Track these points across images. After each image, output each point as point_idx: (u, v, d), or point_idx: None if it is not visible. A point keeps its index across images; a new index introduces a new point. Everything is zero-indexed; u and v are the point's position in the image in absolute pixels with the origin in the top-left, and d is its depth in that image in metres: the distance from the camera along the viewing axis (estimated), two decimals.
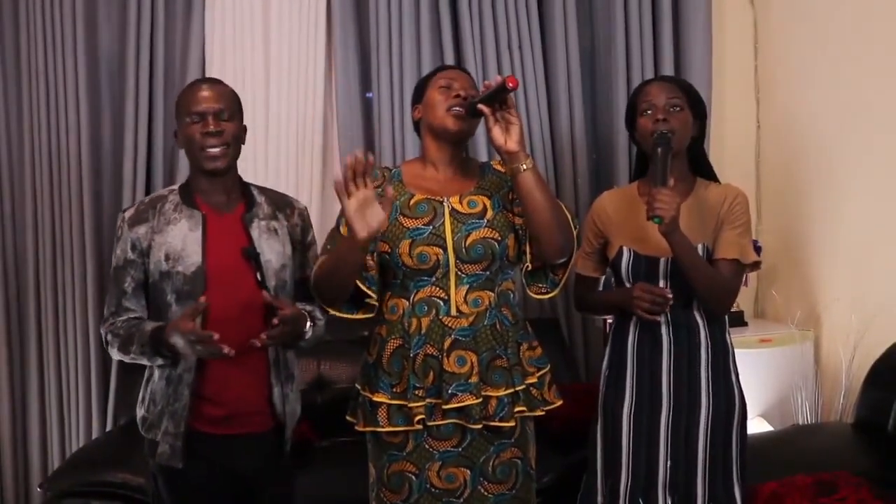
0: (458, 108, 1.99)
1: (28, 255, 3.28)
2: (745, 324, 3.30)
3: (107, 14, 3.28)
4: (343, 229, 2.00)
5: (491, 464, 2.00)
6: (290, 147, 3.33)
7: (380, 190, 1.86)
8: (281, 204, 2.12)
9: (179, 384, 1.97)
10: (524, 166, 1.90)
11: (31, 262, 3.28)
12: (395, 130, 3.31)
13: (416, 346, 1.97)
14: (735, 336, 2.33)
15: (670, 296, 2.06)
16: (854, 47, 2.98)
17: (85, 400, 3.29)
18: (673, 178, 2.01)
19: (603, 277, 2.33)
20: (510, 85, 1.82)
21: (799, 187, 3.28)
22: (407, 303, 1.99)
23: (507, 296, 2.04)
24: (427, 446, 1.98)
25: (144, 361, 1.99)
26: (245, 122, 2.11)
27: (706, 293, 2.08)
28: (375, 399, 2.00)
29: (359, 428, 2.04)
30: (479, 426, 1.96)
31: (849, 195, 3.02)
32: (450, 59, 3.27)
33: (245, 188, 2.10)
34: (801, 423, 3.05)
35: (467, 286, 1.98)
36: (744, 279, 2.39)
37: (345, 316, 2.04)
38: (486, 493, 2.00)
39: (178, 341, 1.85)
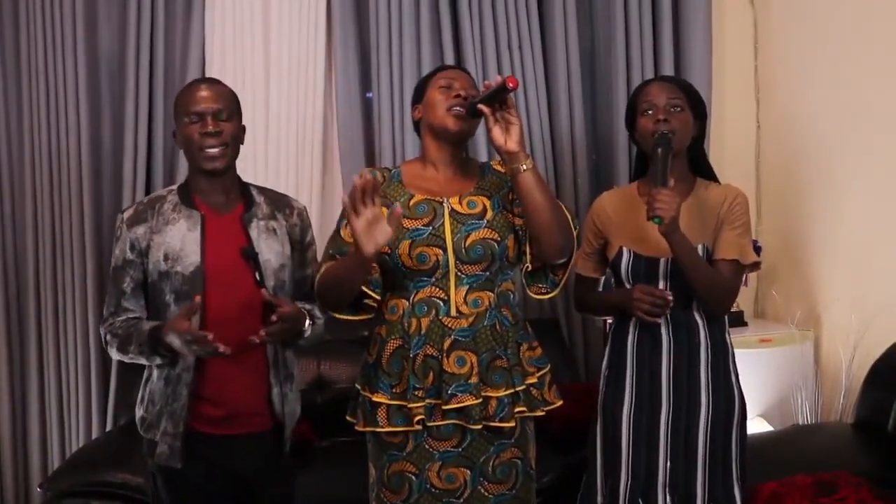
0: (458, 108, 1.99)
1: (28, 255, 3.28)
2: (745, 324, 3.30)
3: (107, 14, 3.28)
4: (344, 233, 2.01)
5: (491, 464, 2.00)
6: (290, 147, 3.33)
7: (388, 211, 1.84)
8: (280, 204, 2.12)
9: (178, 384, 1.97)
10: (524, 166, 1.90)
11: (31, 262, 3.28)
12: (395, 130, 3.31)
13: (416, 346, 1.97)
14: (735, 336, 2.33)
15: (671, 298, 2.06)
16: (854, 47, 2.98)
17: (85, 400, 3.29)
18: (673, 178, 2.01)
19: (603, 278, 2.33)
20: (510, 85, 1.82)
21: (799, 187, 3.28)
22: (407, 303, 1.98)
23: (506, 296, 2.04)
24: (427, 446, 1.98)
25: (143, 361, 1.99)
26: (245, 122, 2.11)
27: (706, 294, 2.08)
28: (375, 399, 2.00)
29: (359, 428, 2.04)
30: (479, 426, 1.96)
31: (849, 195, 3.02)
32: (450, 60, 3.27)
33: (244, 188, 2.10)
34: (801, 423, 3.05)
35: (467, 287, 1.98)
36: (744, 279, 2.39)
37: (345, 317, 2.05)
38: (486, 494, 2.00)
39: (174, 341, 1.86)
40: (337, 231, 2.06)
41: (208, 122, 1.96)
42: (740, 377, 2.19)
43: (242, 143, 2.08)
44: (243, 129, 2.08)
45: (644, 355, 2.17)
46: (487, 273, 1.99)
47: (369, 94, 3.41)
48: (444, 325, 1.96)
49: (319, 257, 2.16)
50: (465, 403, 1.93)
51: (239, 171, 2.11)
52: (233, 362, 1.95)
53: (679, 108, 2.11)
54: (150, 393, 2.03)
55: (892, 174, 2.83)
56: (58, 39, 3.20)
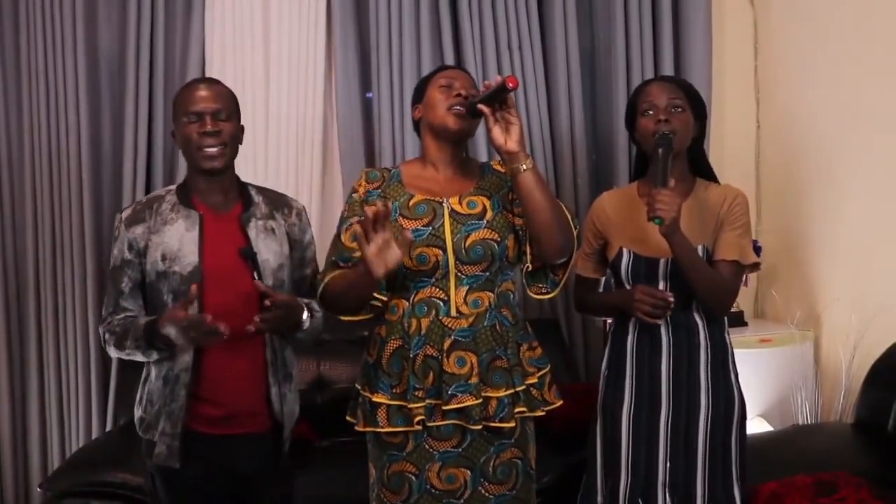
0: (458, 108, 1.99)
1: (28, 255, 3.28)
2: (745, 324, 3.30)
3: (107, 14, 3.28)
4: (345, 238, 2.02)
5: (491, 464, 2.00)
6: (290, 147, 3.33)
7: (398, 235, 1.86)
8: (278, 203, 2.12)
9: (176, 384, 1.97)
10: (524, 166, 1.90)
11: (31, 262, 3.28)
12: (395, 130, 3.31)
13: (416, 346, 1.97)
14: (735, 336, 2.33)
15: (672, 299, 2.05)
16: (854, 47, 2.98)
17: (85, 400, 3.29)
18: (673, 178, 2.01)
19: (603, 278, 2.33)
20: (510, 85, 1.82)
21: (799, 187, 3.28)
22: (407, 303, 1.98)
23: (506, 296, 2.04)
24: (427, 447, 1.98)
25: (139, 357, 1.98)
26: (245, 122, 2.11)
27: (706, 294, 2.08)
28: (375, 399, 2.00)
29: (359, 428, 2.04)
30: (479, 427, 1.96)
31: (849, 195, 3.02)
32: (450, 60, 3.27)
33: (243, 188, 2.10)
34: (801, 423, 3.05)
35: (467, 287, 1.98)
36: (743, 279, 2.39)
37: (347, 318, 2.05)
38: (486, 495, 2.00)
39: (171, 331, 1.85)
40: (338, 236, 2.06)
41: (207, 122, 1.96)
42: (740, 377, 2.19)
43: (241, 143, 2.07)
44: (242, 128, 2.08)
45: (644, 355, 2.17)
46: (487, 273, 1.99)
47: (369, 94, 3.41)
48: (444, 325, 1.96)
49: (320, 259, 2.16)
50: (466, 404, 1.93)
51: (239, 171, 2.11)
52: (231, 362, 1.95)
53: (679, 109, 2.11)
54: (149, 393, 2.03)
55: (892, 174, 2.83)
56: (58, 39, 3.20)
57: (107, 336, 2.02)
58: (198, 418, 1.99)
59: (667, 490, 2.12)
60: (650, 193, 2.00)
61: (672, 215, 1.95)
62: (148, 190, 3.23)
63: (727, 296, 2.13)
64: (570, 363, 3.31)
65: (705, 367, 2.14)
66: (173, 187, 2.09)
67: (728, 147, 3.52)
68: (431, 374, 1.96)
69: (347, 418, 2.10)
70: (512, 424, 1.98)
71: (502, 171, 2.07)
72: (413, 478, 1.99)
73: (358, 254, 2.00)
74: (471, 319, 1.97)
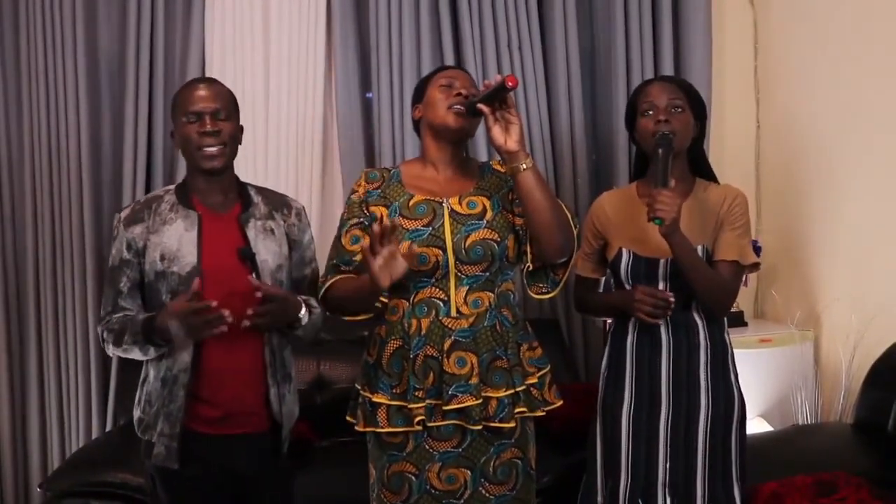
0: (458, 107, 1.99)
1: (28, 255, 3.27)
2: (745, 324, 3.30)
3: (107, 14, 3.28)
4: (345, 240, 2.03)
5: (491, 464, 2.00)
6: (290, 147, 3.32)
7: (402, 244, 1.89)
8: (278, 203, 2.11)
9: (174, 385, 1.96)
10: (524, 165, 1.90)
11: (31, 262, 3.28)
12: (395, 130, 3.31)
13: (416, 347, 1.97)
14: (735, 336, 2.32)
15: (672, 299, 2.05)
16: (854, 47, 2.97)
17: (85, 400, 3.29)
18: (673, 178, 2.01)
19: (603, 278, 2.33)
20: (510, 84, 1.82)
21: (799, 187, 3.28)
22: (407, 304, 1.98)
23: (507, 296, 2.04)
24: (427, 447, 1.98)
25: (137, 353, 1.97)
26: (245, 122, 2.10)
27: (706, 294, 2.08)
28: (375, 400, 2.00)
29: (359, 428, 2.04)
30: (479, 427, 1.96)
31: (849, 195, 3.02)
32: (450, 60, 3.27)
33: (242, 188, 2.10)
34: (801, 423, 3.05)
35: (467, 287, 1.98)
36: (743, 279, 2.39)
37: (348, 318, 2.05)
38: (487, 495, 2.00)
39: (172, 323, 1.84)
40: (338, 238, 2.06)
41: (206, 122, 1.96)
42: (740, 377, 2.19)
43: (240, 143, 2.07)
44: (241, 128, 2.07)
45: (643, 355, 2.17)
46: (487, 273, 1.99)
47: (369, 94, 3.40)
48: (445, 325, 1.96)
49: (319, 260, 2.16)
50: (466, 404, 1.93)
51: (239, 171, 2.11)
52: (229, 362, 1.95)
53: (679, 109, 2.11)
54: (147, 394, 2.02)
55: (892, 174, 2.83)
56: (58, 39, 3.20)
57: (105, 335, 2.02)
58: (196, 419, 1.98)
59: (667, 490, 2.12)
60: (650, 194, 2.00)
61: (672, 215, 1.95)
62: (148, 190, 3.22)
63: (727, 296, 2.13)
64: (570, 363, 3.31)
65: (705, 367, 2.13)
66: (172, 187, 2.09)
67: (728, 147, 3.51)
68: (431, 374, 1.96)
69: (347, 418, 2.10)
70: (512, 424, 1.98)
71: (502, 170, 2.07)
72: (413, 478, 1.99)
73: (359, 256, 2.01)
74: (471, 320, 1.97)
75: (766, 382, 3.10)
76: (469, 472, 1.99)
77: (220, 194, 2.04)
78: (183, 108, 1.98)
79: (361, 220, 2.05)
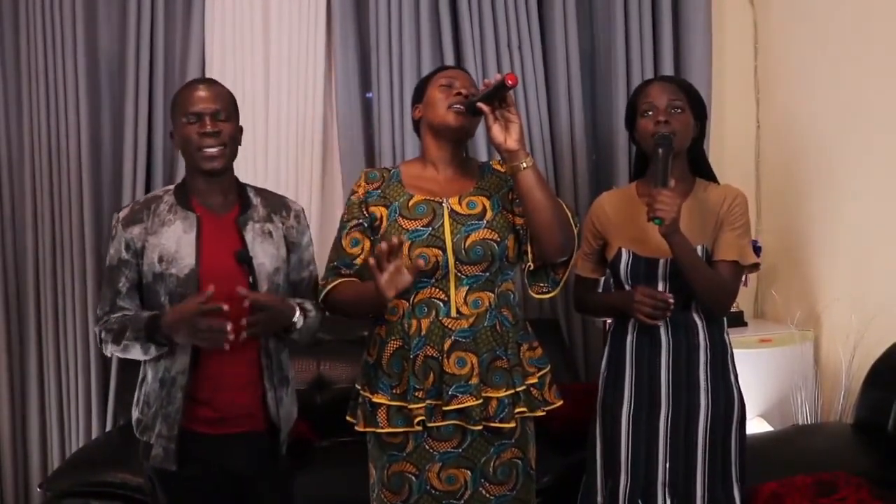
0: (458, 106, 1.99)
1: (28, 255, 3.27)
2: (744, 324, 3.30)
3: (107, 14, 3.28)
4: (345, 242, 2.04)
5: (491, 465, 2.00)
6: (290, 147, 3.32)
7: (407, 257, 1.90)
8: (276, 205, 2.10)
9: (172, 387, 1.95)
10: (524, 164, 1.90)
11: (31, 262, 3.28)
12: (395, 130, 3.31)
13: (416, 347, 1.97)
14: (735, 336, 2.32)
15: (672, 301, 2.05)
16: (854, 47, 2.97)
17: (85, 400, 3.29)
18: (673, 179, 2.01)
19: (602, 278, 2.33)
20: (509, 82, 1.82)
21: (799, 187, 3.28)
22: (407, 304, 1.98)
23: (507, 296, 2.04)
24: (427, 447, 1.98)
25: (137, 352, 1.95)
26: (245, 122, 2.10)
27: (706, 294, 2.08)
28: (375, 400, 2.00)
29: (359, 428, 2.04)
30: (480, 427, 1.96)
31: (849, 195, 3.02)
32: (450, 60, 3.27)
33: (241, 189, 2.09)
34: (801, 423, 3.05)
35: (467, 287, 1.98)
36: (743, 279, 2.39)
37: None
38: (487, 495, 2.00)
39: (179, 326, 1.83)
40: (338, 240, 2.06)
41: (207, 123, 1.95)
42: (740, 377, 2.19)
43: (240, 144, 2.06)
44: (241, 129, 2.06)
45: (643, 356, 2.16)
46: (487, 273, 1.99)
47: (369, 94, 3.40)
48: (444, 325, 1.96)
49: (320, 259, 2.15)
50: (466, 404, 1.93)
51: (238, 171, 2.11)
52: (227, 365, 1.94)
53: (679, 110, 2.11)
54: (146, 395, 2.02)
55: (892, 174, 2.83)
56: (58, 39, 3.19)
57: (104, 335, 2.00)
58: (195, 420, 1.98)
59: (666, 490, 2.12)
60: (650, 193, 2.00)
61: (672, 215, 1.95)
62: (148, 190, 3.22)
63: (727, 296, 2.13)
64: (570, 363, 3.31)
65: (705, 367, 2.13)
66: (171, 188, 2.08)
67: (728, 147, 3.51)
68: (432, 374, 1.96)
69: (347, 418, 2.10)
70: (512, 425, 1.98)
71: (502, 170, 2.07)
72: (413, 478, 1.99)
73: (359, 259, 2.01)
74: (471, 320, 1.97)
75: (766, 382, 3.10)
76: (469, 472, 1.99)
77: (219, 195, 2.03)
78: (183, 109, 1.97)
79: (361, 221, 2.05)
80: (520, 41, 3.34)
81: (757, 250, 2.82)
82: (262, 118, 3.30)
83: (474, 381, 1.94)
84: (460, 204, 2.01)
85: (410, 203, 2.01)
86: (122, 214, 2.03)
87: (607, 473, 2.20)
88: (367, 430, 2.02)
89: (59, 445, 3.35)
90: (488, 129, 1.91)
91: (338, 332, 3.11)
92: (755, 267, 2.19)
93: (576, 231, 2.00)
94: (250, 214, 2.04)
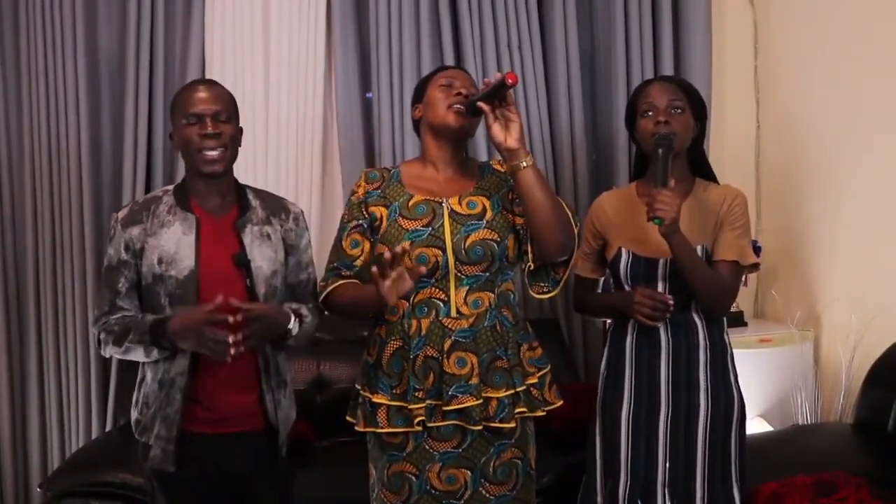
0: (458, 106, 1.99)
1: (28, 255, 3.27)
2: (744, 324, 3.30)
3: (107, 14, 3.28)
4: (345, 244, 2.04)
5: (491, 465, 2.00)
6: (290, 147, 3.32)
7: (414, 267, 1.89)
8: (275, 208, 2.09)
9: (172, 388, 1.95)
10: (524, 163, 1.90)
11: (31, 262, 3.28)
12: (395, 130, 3.31)
13: (416, 347, 1.97)
14: (735, 336, 2.32)
15: (671, 302, 2.05)
16: (854, 47, 2.97)
17: (85, 400, 3.29)
18: (673, 178, 2.01)
19: (602, 279, 2.33)
20: (509, 81, 1.82)
21: (799, 187, 3.28)
22: (407, 304, 1.98)
23: (507, 296, 2.04)
24: (427, 447, 1.98)
25: (139, 354, 1.95)
26: (245, 123, 2.09)
27: (705, 294, 2.08)
28: (375, 400, 2.00)
29: (359, 428, 2.04)
30: (480, 427, 1.96)
31: (849, 195, 3.02)
32: (450, 60, 3.27)
33: (240, 191, 2.07)
34: (801, 423, 3.05)
35: (467, 287, 1.98)
36: (743, 279, 2.39)
37: None
38: (487, 495, 2.00)
39: (186, 333, 1.82)
40: (339, 241, 2.06)
41: (208, 124, 1.94)
42: (740, 377, 2.19)
43: (240, 146, 2.05)
44: (241, 130, 2.05)
45: (643, 356, 2.16)
46: (487, 273, 1.99)
47: (369, 94, 3.40)
48: (445, 326, 1.96)
49: (321, 260, 2.15)
50: (466, 404, 1.93)
51: (238, 172, 2.10)
52: (226, 367, 1.91)
53: (679, 110, 2.11)
54: (145, 396, 2.01)
55: (892, 174, 2.83)
56: (58, 39, 3.20)
57: (103, 336, 1.98)
58: (193, 420, 1.97)
59: (666, 490, 2.12)
60: (650, 193, 2.00)
61: (672, 215, 1.95)
62: (148, 190, 3.22)
63: (726, 296, 2.12)
64: (570, 363, 3.31)
65: (704, 367, 2.13)
66: (170, 188, 2.07)
67: (728, 147, 3.51)
68: (432, 374, 1.96)
69: (347, 418, 2.10)
70: (512, 425, 1.98)
71: (502, 170, 2.07)
72: (413, 478, 1.99)
73: (359, 261, 2.02)
74: (471, 320, 1.97)
75: (766, 382, 3.10)
76: (469, 472, 1.99)
77: (218, 197, 2.02)
78: (183, 110, 1.96)
79: (360, 222, 2.05)
80: (520, 41, 3.34)
81: (757, 250, 2.82)
82: (262, 118, 3.30)
83: (474, 381, 1.94)
84: (460, 204, 2.01)
85: (410, 203, 2.01)
86: (120, 215, 2.02)
87: (607, 473, 2.20)
88: (367, 430, 2.02)
89: (59, 445, 3.35)
90: (488, 129, 1.91)
91: (338, 332, 3.11)
92: (755, 267, 2.19)
93: (576, 231, 2.00)
94: (249, 217, 2.03)
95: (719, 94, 3.47)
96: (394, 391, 1.98)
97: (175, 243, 1.95)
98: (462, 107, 1.99)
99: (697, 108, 2.16)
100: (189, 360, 1.94)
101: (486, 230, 1.98)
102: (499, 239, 1.98)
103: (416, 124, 2.13)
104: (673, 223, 1.96)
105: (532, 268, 2.02)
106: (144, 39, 3.19)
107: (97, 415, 3.29)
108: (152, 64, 3.23)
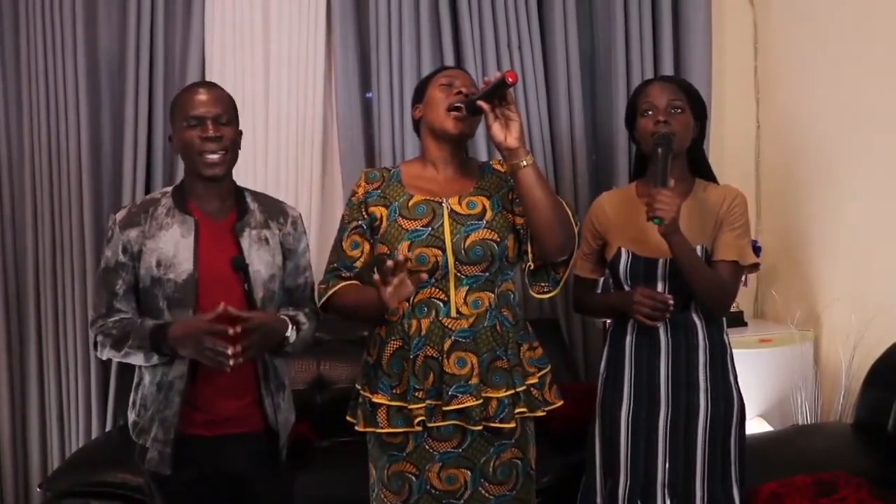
0: (458, 104, 1.98)
1: (28, 255, 3.27)
2: (744, 324, 3.30)
3: (107, 14, 3.28)
4: (345, 245, 2.04)
5: (491, 465, 2.00)
6: (290, 147, 3.32)
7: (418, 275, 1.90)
8: (274, 211, 2.08)
9: (170, 391, 1.94)
10: (524, 162, 1.90)
11: (31, 262, 3.28)
12: (394, 130, 3.31)
13: (416, 347, 1.97)
14: (735, 336, 2.32)
15: (671, 302, 2.05)
16: (854, 47, 2.97)
17: (85, 400, 3.29)
18: (672, 178, 2.01)
19: (602, 279, 2.32)
20: (509, 80, 1.82)
21: (799, 187, 3.28)
22: (407, 304, 1.98)
23: (507, 297, 2.04)
24: (427, 447, 1.98)
25: (138, 358, 1.94)
26: (245, 123, 2.08)
27: (705, 294, 2.08)
28: (375, 400, 2.00)
29: (359, 428, 2.04)
30: (479, 427, 1.96)
31: (849, 195, 3.02)
32: (450, 60, 3.27)
33: (239, 194, 2.06)
34: (800, 423, 3.05)
35: (467, 287, 1.98)
36: (743, 279, 2.39)
37: None
38: (487, 495, 2.00)
39: (186, 341, 1.82)
40: (339, 241, 2.06)
41: (209, 127, 1.93)
42: (740, 377, 2.19)
43: (240, 149, 2.04)
44: (240, 133, 2.04)
45: (642, 356, 2.16)
46: (487, 274, 1.99)
47: (369, 95, 3.40)
48: (444, 326, 1.96)
49: (319, 262, 2.15)
50: (466, 404, 1.93)
51: (238, 172, 2.09)
52: (224, 373, 1.88)
53: (679, 110, 2.11)
54: (143, 398, 2.00)
55: (892, 174, 2.83)
56: (58, 39, 3.19)
57: (100, 338, 1.97)
58: (191, 423, 1.96)
59: (666, 490, 2.12)
60: (650, 193, 2.00)
61: (671, 215, 1.95)
62: (148, 190, 3.22)
63: (726, 296, 2.12)
64: (570, 363, 3.31)
65: (704, 367, 2.13)
66: (169, 190, 2.05)
67: (728, 147, 3.51)
68: (432, 374, 1.96)
69: (347, 418, 2.10)
70: (512, 425, 1.98)
71: (502, 170, 2.07)
72: (413, 478, 1.99)
73: (359, 262, 2.02)
74: (471, 320, 1.97)
75: (766, 382, 3.10)
76: (469, 472, 1.99)
77: (217, 200, 2.01)
78: (184, 113, 1.95)
79: (360, 223, 2.05)
80: (520, 41, 3.34)
81: (757, 250, 2.82)
82: (262, 118, 3.30)
83: (474, 381, 1.94)
84: (460, 204, 2.01)
85: (410, 203, 2.01)
86: (118, 217, 2.01)
87: (606, 474, 2.20)
88: (367, 430, 2.02)
89: (59, 445, 3.35)
90: (488, 128, 1.91)
91: (338, 332, 3.11)
92: (755, 267, 2.19)
93: (576, 230, 2.00)
94: (247, 220, 2.02)
95: (719, 94, 3.47)
96: (394, 391, 1.98)
97: (174, 246, 1.94)
98: (462, 105, 1.98)
99: (697, 108, 2.16)
100: (188, 364, 1.93)
101: (485, 230, 1.98)
102: (499, 239, 1.98)
103: (416, 124, 2.13)
104: (672, 223, 1.96)
105: (532, 267, 2.01)
106: (144, 39, 3.19)
107: (97, 415, 3.29)
108: (152, 64, 3.23)
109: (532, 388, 2.03)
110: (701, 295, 2.08)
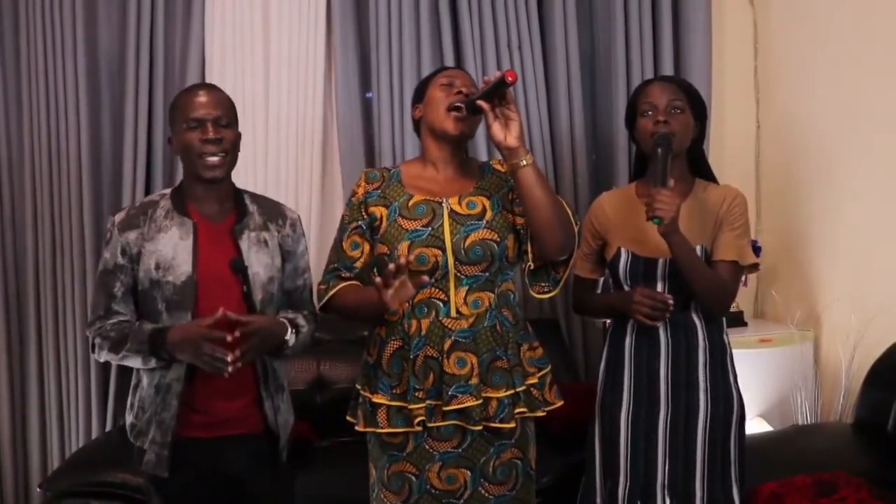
0: (458, 104, 1.98)
1: (28, 255, 3.28)
2: (744, 324, 3.30)
3: (107, 14, 3.28)
4: (345, 245, 2.04)
5: (491, 465, 2.00)
6: (290, 147, 3.32)
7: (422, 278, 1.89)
8: (273, 213, 2.08)
9: (168, 393, 1.94)
10: (524, 162, 1.90)
11: (31, 262, 3.28)
12: (394, 130, 3.31)
13: (416, 347, 1.97)
14: (735, 336, 2.32)
15: (671, 301, 2.05)
16: (854, 47, 2.97)
17: (85, 400, 3.29)
18: (672, 178, 2.01)
19: (601, 279, 2.32)
20: (509, 79, 1.82)
21: (799, 187, 3.28)
22: (407, 304, 1.98)
23: (507, 297, 2.04)
24: (427, 447, 1.98)
25: (136, 362, 1.94)
26: (245, 124, 2.09)
27: (705, 294, 2.08)
28: (375, 400, 2.00)
29: (359, 428, 2.04)
30: (479, 427, 1.96)
31: (849, 195, 3.02)
32: (450, 60, 3.27)
33: (238, 196, 2.06)
34: (800, 423, 3.05)
35: (467, 287, 1.98)
36: (743, 279, 2.39)
37: None
38: (486, 495, 2.00)
39: (184, 344, 1.82)
40: (339, 242, 2.06)
41: (209, 129, 1.92)
42: (740, 377, 2.19)
43: (239, 151, 2.04)
44: (240, 135, 2.04)
45: (642, 356, 2.16)
46: (487, 274, 1.99)
47: (369, 95, 3.40)
48: (444, 326, 1.96)
49: (319, 262, 2.15)
50: (466, 404, 1.93)
51: (238, 173, 2.09)
52: (221, 376, 1.89)
53: (679, 110, 2.11)
54: (140, 400, 2.00)
55: (892, 174, 2.83)
56: (58, 39, 3.20)
57: (98, 341, 1.97)
58: (189, 425, 1.96)
59: (665, 491, 2.12)
60: (649, 193, 2.00)
61: (671, 215, 1.95)
62: (148, 191, 3.23)
63: (726, 296, 2.12)
64: (570, 363, 3.31)
65: (704, 367, 2.13)
66: (167, 192, 2.05)
67: (728, 147, 3.51)
68: (432, 374, 1.96)
69: (347, 418, 2.10)
70: (512, 425, 1.98)
71: (502, 170, 2.07)
72: (413, 478, 1.99)
73: (359, 262, 2.02)
74: (471, 320, 1.97)
75: (766, 382, 3.10)
76: (469, 472, 1.99)
77: (216, 202, 2.01)
78: (184, 115, 1.95)
79: (360, 224, 2.05)
80: (520, 41, 3.34)
81: (757, 250, 2.82)
82: (262, 118, 3.30)
83: (474, 381, 1.94)
84: (460, 204, 2.01)
85: (410, 203, 2.01)
86: (117, 218, 2.00)
87: (606, 474, 2.20)
88: (368, 430, 2.02)
89: (59, 445, 3.35)
90: (488, 127, 1.90)
91: (338, 332, 3.11)
92: (754, 267, 2.19)
93: (576, 230, 2.00)
94: (246, 223, 2.02)
95: (719, 94, 3.47)
96: (394, 391, 1.98)
97: (172, 248, 1.94)
98: (462, 105, 1.98)
99: (697, 108, 2.16)
100: (185, 367, 1.93)
101: (485, 230, 1.98)
102: (498, 239, 1.98)
103: (417, 124, 2.13)
104: (672, 223, 1.96)
105: (532, 267, 2.01)
106: (144, 39, 3.19)
107: (97, 415, 3.29)
108: (152, 64, 3.23)
109: (532, 388, 2.03)
110: (701, 295, 2.08)
